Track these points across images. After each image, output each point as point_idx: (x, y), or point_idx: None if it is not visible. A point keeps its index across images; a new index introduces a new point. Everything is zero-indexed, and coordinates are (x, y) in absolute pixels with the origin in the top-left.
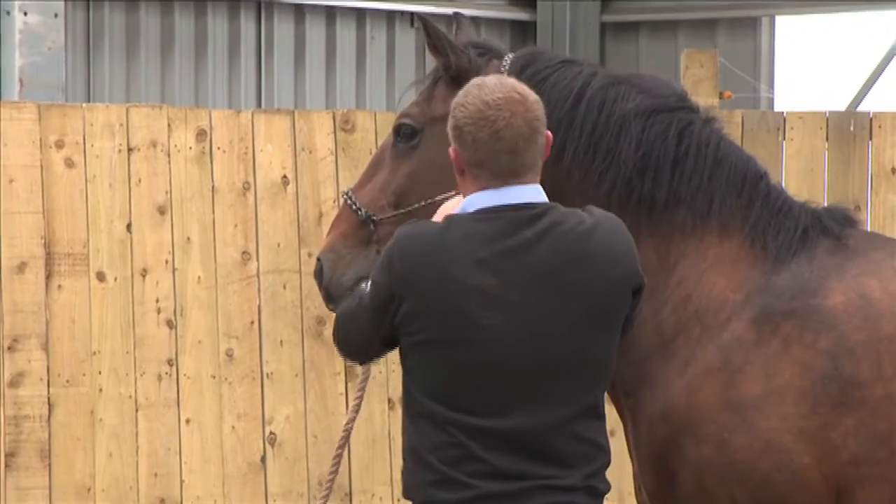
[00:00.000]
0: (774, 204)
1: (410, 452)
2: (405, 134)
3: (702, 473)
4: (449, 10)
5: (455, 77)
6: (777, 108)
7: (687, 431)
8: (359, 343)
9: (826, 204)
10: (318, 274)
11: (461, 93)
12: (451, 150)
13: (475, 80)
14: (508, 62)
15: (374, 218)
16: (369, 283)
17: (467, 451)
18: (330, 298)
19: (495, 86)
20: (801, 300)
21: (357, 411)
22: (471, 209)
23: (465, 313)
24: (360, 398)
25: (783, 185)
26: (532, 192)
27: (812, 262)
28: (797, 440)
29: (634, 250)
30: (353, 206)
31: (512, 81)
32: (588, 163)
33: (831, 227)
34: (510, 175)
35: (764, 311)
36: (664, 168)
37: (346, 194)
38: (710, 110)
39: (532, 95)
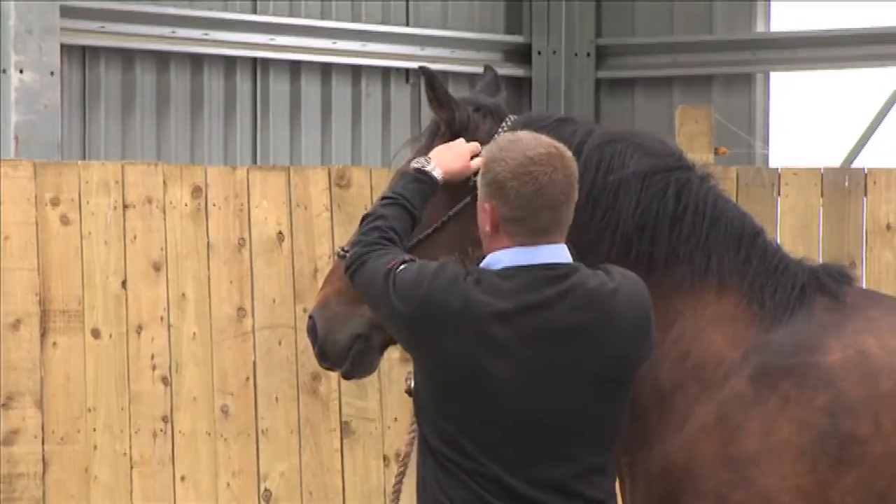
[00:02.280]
0: (772, 261)
1: (421, 483)
2: None
3: None
4: (443, 68)
5: (455, 133)
6: (772, 164)
7: (685, 488)
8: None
9: (821, 260)
10: (312, 331)
11: (495, 147)
12: (485, 205)
13: (508, 136)
14: (509, 123)
15: None
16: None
17: (475, 496)
18: (324, 357)
19: (535, 140)
20: (798, 357)
21: (406, 465)
22: (497, 266)
23: (476, 359)
24: (409, 453)
25: (778, 240)
26: (560, 252)
27: (810, 319)
28: (795, 498)
29: (652, 319)
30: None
31: (547, 138)
32: (587, 220)
33: (828, 285)
34: (545, 233)
35: (762, 368)
36: (662, 226)
37: (341, 251)
38: (706, 168)
39: (568, 152)
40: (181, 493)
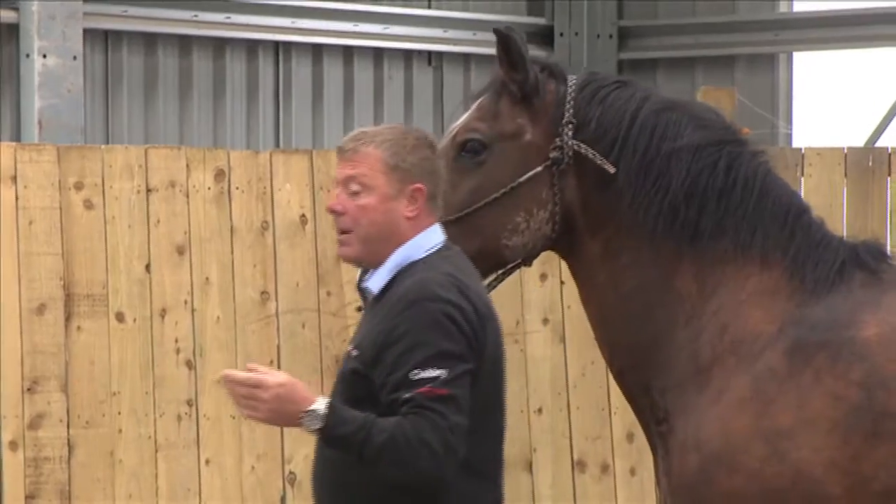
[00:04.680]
0: (814, 237)
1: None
2: (472, 149)
3: (733, 503)
4: (462, 50)
5: (526, 95)
6: (795, 144)
7: (719, 461)
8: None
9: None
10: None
11: (410, 131)
12: (414, 187)
13: (395, 126)
14: (573, 82)
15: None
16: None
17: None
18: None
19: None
20: (834, 332)
21: None
22: (431, 247)
23: (501, 362)
24: None
25: None
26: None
27: (847, 295)
28: (828, 471)
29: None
30: None
31: None
32: (640, 185)
33: (867, 262)
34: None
35: (797, 342)
36: (711, 197)
37: None
38: (758, 144)
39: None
40: (206, 477)
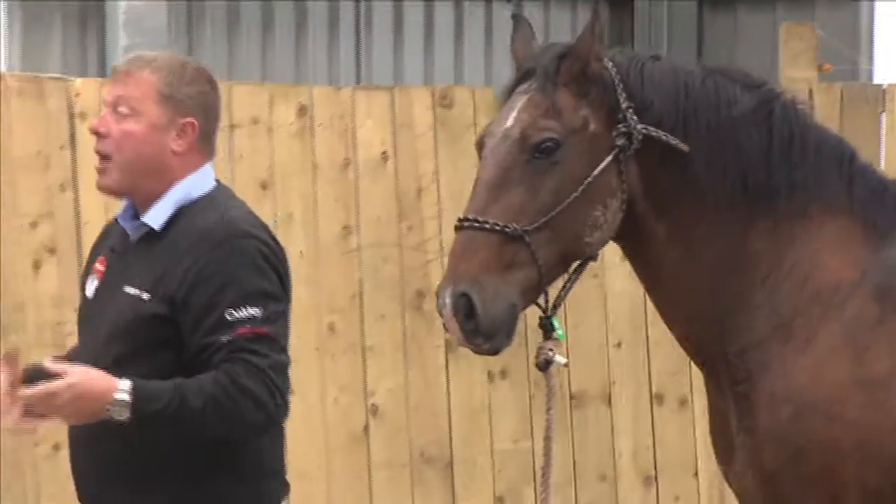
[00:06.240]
0: (872, 181)
1: None
2: (547, 150)
3: (830, 452)
4: None
5: (580, 84)
6: (876, 81)
7: (815, 410)
8: None
9: None
10: (464, 309)
11: (175, 63)
12: (185, 121)
13: (173, 55)
14: (612, 64)
15: (528, 229)
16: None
17: None
18: (481, 335)
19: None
20: None
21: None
22: (204, 190)
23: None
24: (550, 407)
25: (882, 156)
26: None
27: None
28: None
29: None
30: (493, 227)
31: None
32: (711, 157)
33: None
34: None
35: (882, 287)
36: (775, 156)
37: (469, 220)
38: (796, 94)
39: None
40: (291, 408)
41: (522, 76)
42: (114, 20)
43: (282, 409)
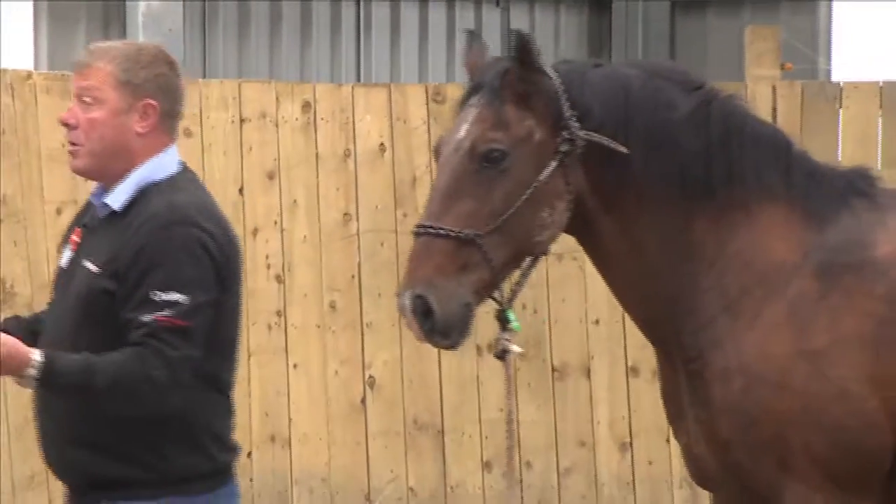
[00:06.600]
0: (808, 168)
1: None
2: (495, 159)
3: (779, 421)
4: None
5: (523, 96)
6: (834, 79)
7: (763, 381)
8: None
9: (881, 167)
10: (419, 310)
11: (131, 50)
12: (143, 104)
13: (131, 42)
14: (556, 74)
15: (480, 233)
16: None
17: None
18: (439, 333)
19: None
20: (854, 254)
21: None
22: (180, 165)
23: (240, 295)
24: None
25: (839, 149)
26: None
27: (855, 219)
28: (864, 385)
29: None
30: (447, 233)
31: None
32: (650, 157)
33: (861, 187)
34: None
35: (822, 266)
36: (713, 152)
37: (425, 227)
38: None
39: None
40: (294, 380)
41: (472, 90)
42: (134, 21)
43: (176, 399)
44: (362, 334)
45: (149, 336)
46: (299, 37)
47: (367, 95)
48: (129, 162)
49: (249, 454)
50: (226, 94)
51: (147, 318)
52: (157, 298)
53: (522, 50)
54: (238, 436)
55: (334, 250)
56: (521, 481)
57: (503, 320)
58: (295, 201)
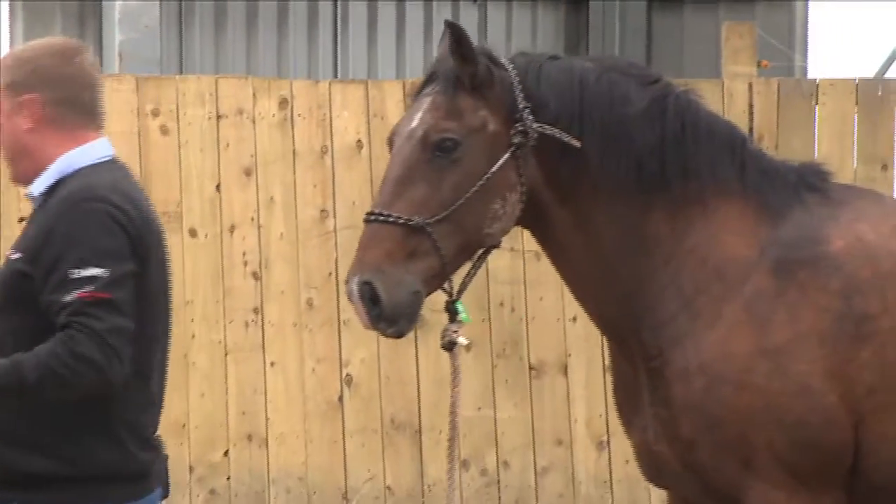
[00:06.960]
0: (762, 163)
1: None
2: (447, 148)
3: (742, 419)
4: None
5: (477, 85)
6: (810, 76)
7: (725, 380)
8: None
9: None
10: (367, 296)
11: (32, 46)
12: (24, 99)
13: (25, 45)
14: (509, 63)
15: (430, 221)
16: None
17: None
18: (386, 320)
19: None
20: (808, 249)
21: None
22: (108, 155)
23: (166, 269)
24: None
25: (816, 146)
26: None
27: (808, 214)
28: (824, 380)
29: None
30: (396, 220)
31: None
32: (605, 151)
33: (814, 182)
34: (91, 114)
35: (778, 262)
36: (668, 146)
37: (375, 214)
38: (686, 84)
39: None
40: (271, 378)
41: (427, 79)
42: (110, 18)
43: (118, 371)
44: (339, 332)
45: (73, 315)
46: (276, 33)
47: (344, 91)
48: (33, 159)
49: (226, 453)
50: (202, 91)
51: (69, 297)
52: (75, 276)
53: (456, 41)
54: (215, 434)
55: (311, 247)
56: (498, 481)
57: (452, 311)
58: (272, 198)
